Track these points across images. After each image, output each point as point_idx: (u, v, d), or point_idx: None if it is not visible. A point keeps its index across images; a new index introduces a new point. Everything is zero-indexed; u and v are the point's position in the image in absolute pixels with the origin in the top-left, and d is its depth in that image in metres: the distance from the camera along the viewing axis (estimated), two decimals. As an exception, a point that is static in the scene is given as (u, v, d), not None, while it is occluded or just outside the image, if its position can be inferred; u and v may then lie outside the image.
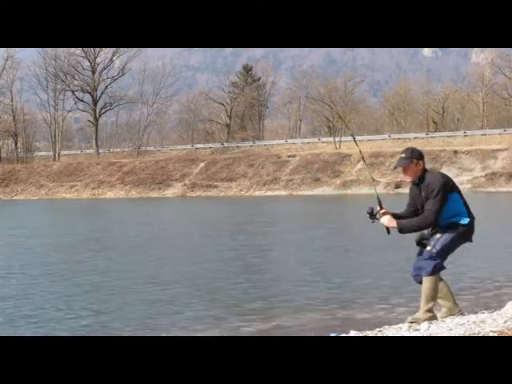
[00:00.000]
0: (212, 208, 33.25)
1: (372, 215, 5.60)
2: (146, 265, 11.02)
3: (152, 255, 12.48)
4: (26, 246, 14.71)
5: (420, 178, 5.50)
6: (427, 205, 5.39)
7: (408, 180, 5.62)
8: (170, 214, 29.19)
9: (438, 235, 5.41)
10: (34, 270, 10.72)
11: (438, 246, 5.39)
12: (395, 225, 5.48)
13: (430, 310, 5.49)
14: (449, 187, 5.45)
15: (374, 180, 45.49)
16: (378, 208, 5.62)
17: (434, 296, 5.49)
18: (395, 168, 5.71)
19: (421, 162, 5.53)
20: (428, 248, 5.42)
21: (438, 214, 5.35)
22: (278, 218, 24.97)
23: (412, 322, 5.41)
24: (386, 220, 5.51)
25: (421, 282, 5.54)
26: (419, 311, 5.57)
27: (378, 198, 5.68)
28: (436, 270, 5.42)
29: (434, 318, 5.47)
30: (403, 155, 5.56)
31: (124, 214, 30.51)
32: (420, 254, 5.57)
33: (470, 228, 5.52)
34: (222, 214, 27.77)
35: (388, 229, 5.60)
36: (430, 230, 5.56)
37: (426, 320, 5.38)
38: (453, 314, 5.55)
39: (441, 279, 5.55)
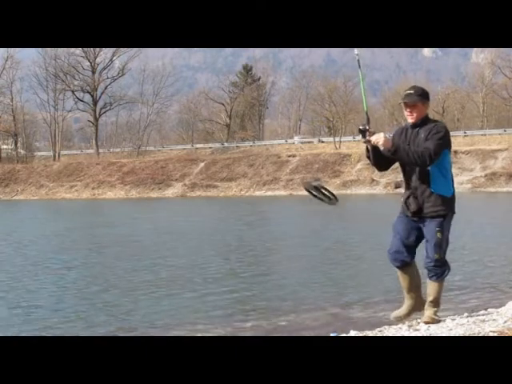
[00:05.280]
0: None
1: (364, 133, 5.07)
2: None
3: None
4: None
5: (422, 121, 5.10)
6: (427, 143, 4.96)
7: (410, 119, 5.12)
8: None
9: (440, 236, 5.11)
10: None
11: (444, 252, 5.16)
12: (389, 145, 4.98)
13: (437, 312, 5.32)
14: (450, 140, 5.13)
15: (373, 180, 45.51)
16: (367, 126, 5.09)
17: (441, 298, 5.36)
18: (401, 102, 5.21)
19: (428, 102, 5.18)
20: (437, 257, 5.11)
21: (436, 157, 4.94)
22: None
23: (428, 322, 5.21)
24: (381, 139, 4.99)
25: (400, 267, 5.28)
26: (430, 312, 5.29)
27: (366, 114, 5.19)
28: (447, 275, 5.25)
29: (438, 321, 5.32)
30: (412, 91, 5.12)
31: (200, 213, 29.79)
32: (406, 238, 5.20)
33: (454, 201, 5.22)
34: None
35: (375, 151, 5.08)
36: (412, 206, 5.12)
37: (439, 321, 5.26)
38: (414, 311, 5.38)
39: (415, 269, 5.32)
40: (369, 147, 5.12)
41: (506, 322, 4.96)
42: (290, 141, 65.35)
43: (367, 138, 5.07)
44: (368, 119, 5.15)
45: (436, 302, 5.29)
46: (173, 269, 10.48)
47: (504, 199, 33.99)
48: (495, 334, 4.37)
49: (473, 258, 10.85)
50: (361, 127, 5.11)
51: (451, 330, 4.84)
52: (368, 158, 5.21)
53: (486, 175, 46.35)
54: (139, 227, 20.72)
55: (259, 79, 79.26)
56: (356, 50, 5.08)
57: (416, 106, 5.08)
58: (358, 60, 5.11)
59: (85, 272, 10.43)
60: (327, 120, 67.12)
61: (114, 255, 12.82)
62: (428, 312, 5.32)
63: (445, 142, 5.04)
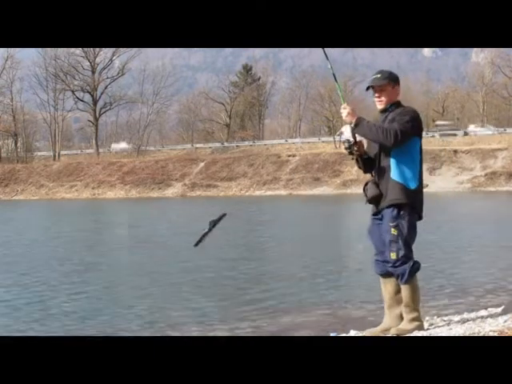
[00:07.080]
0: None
1: (351, 150, 4.74)
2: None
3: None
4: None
5: (392, 106, 4.75)
6: (394, 124, 4.57)
7: (379, 105, 4.78)
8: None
9: (395, 232, 4.57)
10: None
11: (401, 250, 4.58)
12: (354, 118, 4.66)
13: (416, 319, 4.69)
14: (420, 126, 4.76)
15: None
16: (351, 139, 4.73)
17: (417, 302, 4.69)
18: (368, 89, 4.82)
19: (397, 87, 4.82)
20: (393, 257, 4.59)
21: (402, 137, 4.53)
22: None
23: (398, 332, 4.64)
24: (345, 113, 4.69)
25: (380, 274, 4.84)
26: (403, 321, 4.71)
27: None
28: (413, 274, 4.62)
29: (421, 327, 4.71)
30: (379, 75, 4.78)
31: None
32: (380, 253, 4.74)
33: (417, 196, 4.67)
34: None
35: (363, 160, 4.76)
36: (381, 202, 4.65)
37: (413, 330, 4.63)
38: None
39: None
40: (358, 159, 4.79)
41: (506, 321, 4.95)
42: (290, 141, 65.32)
43: (356, 149, 4.74)
44: (353, 130, 4.74)
45: (409, 308, 4.67)
46: (175, 270, 10.48)
47: (504, 199, 33.97)
48: (495, 334, 4.36)
49: (473, 257, 10.84)
50: (346, 145, 4.74)
51: (451, 329, 4.83)
52: (357, 164, 4.85)
53: (485, 174, 46.31)
54: (150, 228, 20.68)
55: (259, 79, 79.25)
56: (329, 64, 4.79)
57: (384, 89, 4.74)
58: (334, 74, 4.86)
59: (112, 272, 10.45)
60: (327, 120, 67.12)
61: (138, 256, 12.81)
62: (403, 320, 4.73)
63: (413, 126, 4.64)
